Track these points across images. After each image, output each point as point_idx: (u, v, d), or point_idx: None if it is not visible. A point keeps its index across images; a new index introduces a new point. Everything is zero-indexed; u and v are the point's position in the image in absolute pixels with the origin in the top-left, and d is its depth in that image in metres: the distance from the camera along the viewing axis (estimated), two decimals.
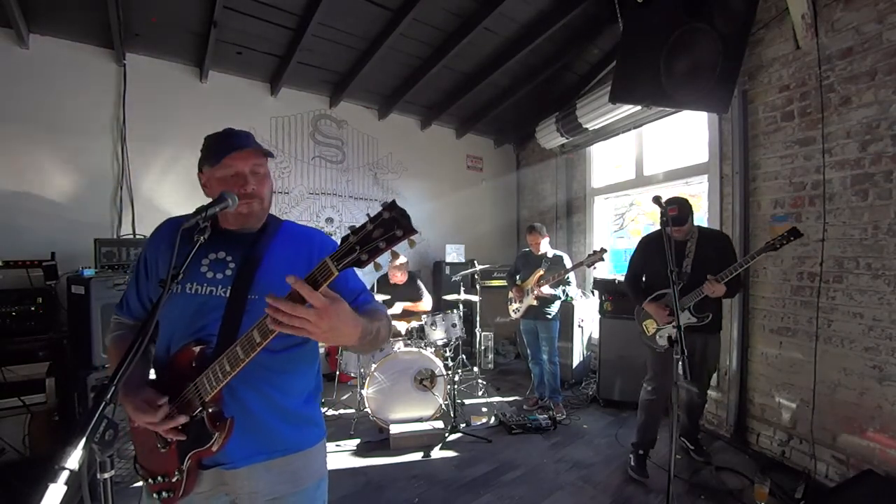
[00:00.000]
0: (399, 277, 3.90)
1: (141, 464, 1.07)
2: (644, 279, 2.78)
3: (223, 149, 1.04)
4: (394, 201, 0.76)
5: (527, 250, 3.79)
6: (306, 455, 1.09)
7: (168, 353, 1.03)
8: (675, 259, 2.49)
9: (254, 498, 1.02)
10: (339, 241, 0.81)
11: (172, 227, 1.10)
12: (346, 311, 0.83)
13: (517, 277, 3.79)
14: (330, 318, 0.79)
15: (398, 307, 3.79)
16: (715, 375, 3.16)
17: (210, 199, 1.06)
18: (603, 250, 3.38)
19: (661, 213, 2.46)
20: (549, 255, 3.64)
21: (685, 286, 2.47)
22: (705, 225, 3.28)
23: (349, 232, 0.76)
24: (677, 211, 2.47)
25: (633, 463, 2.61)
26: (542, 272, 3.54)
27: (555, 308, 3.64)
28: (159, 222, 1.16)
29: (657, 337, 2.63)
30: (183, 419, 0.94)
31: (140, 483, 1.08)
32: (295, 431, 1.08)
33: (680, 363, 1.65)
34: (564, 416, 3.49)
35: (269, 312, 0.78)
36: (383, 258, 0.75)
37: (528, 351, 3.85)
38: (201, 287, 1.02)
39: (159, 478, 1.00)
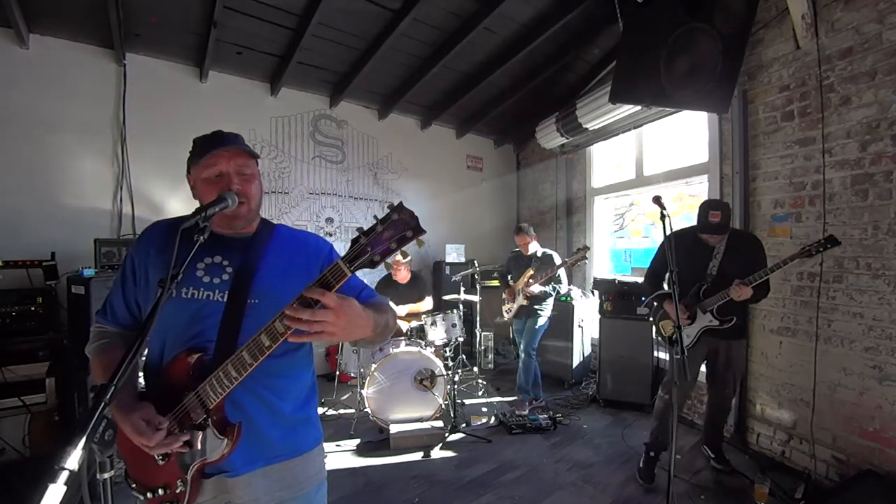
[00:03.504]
0: (403, 276, 3.91)
1: (135, 478, 1.01)
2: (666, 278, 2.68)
3: (207, 147, 1.03)
4: (401, 203, 0.79)
5: (517, 251, 3.82)
6: (305, 459, 1.08)
7: (161, 360, 1.01)
8: (702, 260, 2.49)
9: None
10: (332, 243, 0.82)
11: (161, 230, 1.09)
12: (357, 306, 0.87)
13: (509, 278, 3.82)
14: (347, 315, 0.83)
15: (403, 310, 3.79)
16: None
17: (198, 201, 1.06)
18: (586, 247, 3.45)
19: (699, 212, 2.42)
20: (539, 254, 3.67)
21: (709, 288, 2.42)
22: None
23: (359, 234, 0.79)
24: (720, 217, 2.33)
25: (641, 464, 2.57)
26: (531, 272, 3.56)
27: (546, 307, 3.65)
28: (157, 221, 1.15)
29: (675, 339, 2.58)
30: (183, 439, 0.92)
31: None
32: (293, 435, 1.07)
33: (677, 364, 1.63)
34: (526, 413, 3.44)
35: (291, 324, 0.81)
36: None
37: (520, 350, 3.85)
38: (198, 291, 1.00)
39: (160, 490, 0.97)
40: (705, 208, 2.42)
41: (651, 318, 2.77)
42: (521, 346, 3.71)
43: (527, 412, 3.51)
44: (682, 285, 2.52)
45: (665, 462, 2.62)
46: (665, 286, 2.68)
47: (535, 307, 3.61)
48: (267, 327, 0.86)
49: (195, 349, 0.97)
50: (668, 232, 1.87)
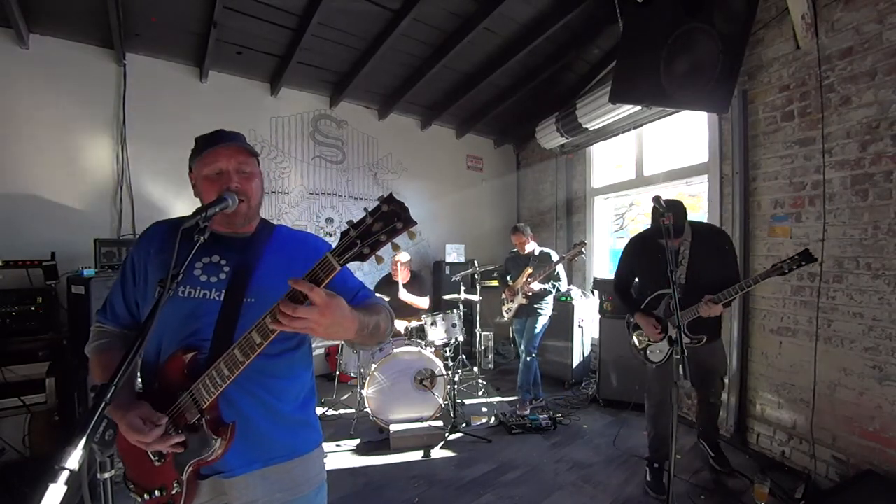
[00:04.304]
0: (403, 276, 3.91)
1: (133, 480, 1.02)
2: (636, 284, 2.62)
3: (208, 145, 1.04)
4: (391, 194, 0.77)
5: (514, 251, 3.84)
6: (304, 461, 1.08)
7: (158, 359, 1.00)
8: (668, 267, 2.40)
9: None
10: (332, 243, 0.81)
11: (162, 230, 1.09)
12: (344, 307, 0.85)
13: (508, 278, 3.83)
14: (332, 314, 0.81)
15: (403, 294, 3.78)
16: None
17: (199, 199, 1.07)
18: (582, 243, 3.48)
19: (653, 214, 2.24)
20: (536, 252, 3.69)
21: (680, 299, 2.25)
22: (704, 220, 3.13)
23: (349, 226, 0.77)
24: (672, 219, 2.09)
25: (648, 478, 2.51)
26: (530, 270, 3.57)
27: (546, 306, 3.66)
28: (157, 221, 1.15)
29: (648, 352, 2.46)
30: (179, 439, 0.92)
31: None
32: (292, 437, 1.06)
33: (679, 364, 1.60)
34: (528, 413, 3.47)
35: (280, 318, 0.80)
36: (385, 251, 0.79)
37: (520, 349, 3.86)
38: (195, 290, 1.00)
39: (156, 492, 0.97)
40: (656, 211, 2.22)
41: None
42: (522, 346, 3.71)
43: (528, 412, 3.51)
44: (650, 292, 2.44)
45: (665, 465, 2.63)
46: (634, 293, 2.61)
47: (535, 306, 3.62)
48: (258, 324, 0.85)
49: (190, 348, 0.97)
50: (665, 232, 1.85)
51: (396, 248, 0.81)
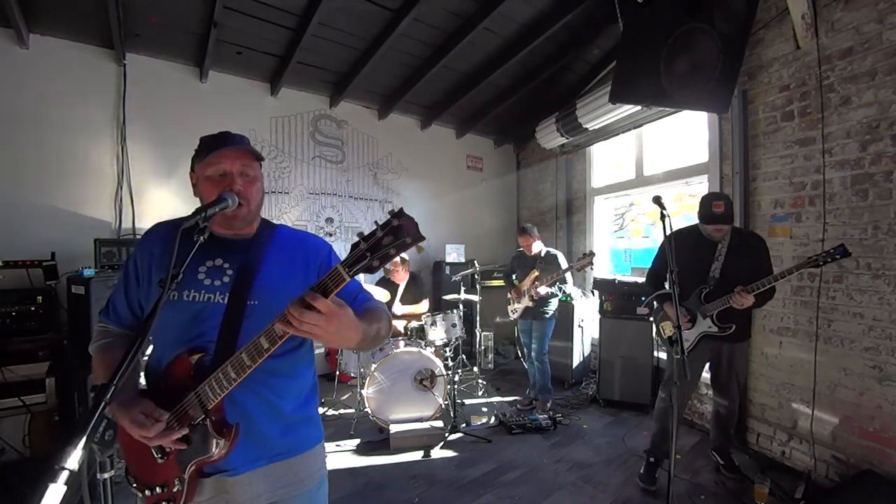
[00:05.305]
0: (400, 276, 3.92)
1: (135, 475, 1.03)
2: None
3: (214, 146, 1.04)
4: (402, 209, 0.80)
5: (520, 250, 3.82)
6: (306, 457, 1.09)
7: (161, 362, 1.02)
8: (704, 261, 2.42)
9: (254, 502, 1.01)
10: (332, 243, 0.82)
11: (164, 231, 1.09)
12: (350, 316, 0.87)
13: (514, 278, 3.82)
14: (337, 322, 0.83)
15: (400, 309, 3.78)
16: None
17: (199, 199, 1.07)
18: (592, 253, 3.43)
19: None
20: (543, 253, 3.67)
21: (711, 292, 2.37)
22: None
23: (359, 239, 0.79)
24: (724, 208, 2.29)
25: (641, 470, 2.54)
26: (537, 273, 3.56)
27: (552, 307, 3.65)
28: (159, 222, 1.15)
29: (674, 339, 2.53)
30: (182, 432, 0.92)
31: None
32: (294, 434, 1.08)
33: (677, 364, 1.62)
34: (548, 414, 3.49)
35: (284, 328, 0.82)
36: None
37: (525, 350, 3.88)
38: (199, 294, 1.01)
39: (157, 488, 0.98)
40: (708, 199, 2.39)
41: (652, 319, 2.75)
42: (534, 351, 3.69)
43: (549, 406, 3.59)
44: (684, 287, 2.44)
45: (666, 465, 2.63)
46: (666, 286, 2.65)
47: (541, 309, 3.61)
48: (266, 330, 0.87)
49: (196, 349, 0.98)
50: (668, 232, 1.85)
51: (404, 260, 0.83)
